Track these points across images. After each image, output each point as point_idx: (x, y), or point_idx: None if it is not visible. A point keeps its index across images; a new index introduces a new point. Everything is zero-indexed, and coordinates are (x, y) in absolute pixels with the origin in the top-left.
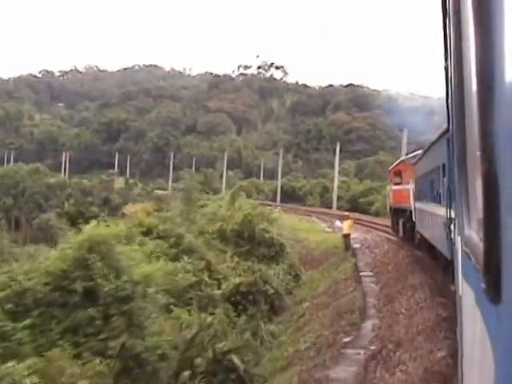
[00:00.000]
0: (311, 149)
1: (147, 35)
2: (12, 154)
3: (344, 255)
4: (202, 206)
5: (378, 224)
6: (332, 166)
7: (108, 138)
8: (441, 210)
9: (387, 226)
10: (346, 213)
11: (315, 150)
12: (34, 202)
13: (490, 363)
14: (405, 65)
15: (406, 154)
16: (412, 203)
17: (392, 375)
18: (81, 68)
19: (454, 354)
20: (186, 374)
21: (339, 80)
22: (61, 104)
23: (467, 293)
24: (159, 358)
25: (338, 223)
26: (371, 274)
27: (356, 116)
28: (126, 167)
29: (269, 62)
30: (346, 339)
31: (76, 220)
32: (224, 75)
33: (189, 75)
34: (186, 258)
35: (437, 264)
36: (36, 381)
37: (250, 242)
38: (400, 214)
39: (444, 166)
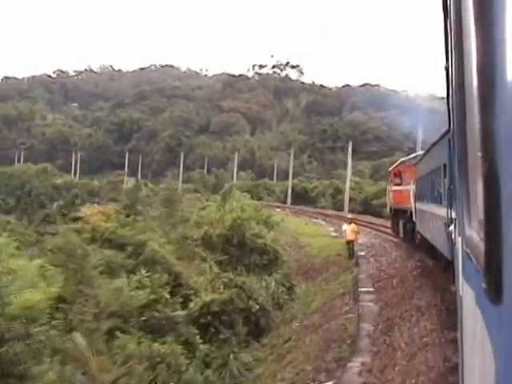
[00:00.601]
0: (326, 149)
1: (164, 36)
2: (22, 154)
3: (347, 264)
4: (204, 208)
5: (388, 228)
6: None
7: (120, 138)
8: (441, 211)
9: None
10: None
11: (330, 150)
12: (38, 202)
13: (490, 364)
14: (424, 66)
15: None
16: (412, 204)
17: None
18: (95, 68)
19: None
20: None
21: (356, 80)
22: (75, 104)
23: (468, 293)
24: None
25: (345, 226)
26: (372, 289)
27: (373, 116)
28: (138, 168)
29: (284, 62)
30: None
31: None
32: (240, 75)
33: (205, 75)
34: (143, 270)
35: (447, 278)
36: None
37: (239, 248)
38: (400, 215)
39: (445, 166)
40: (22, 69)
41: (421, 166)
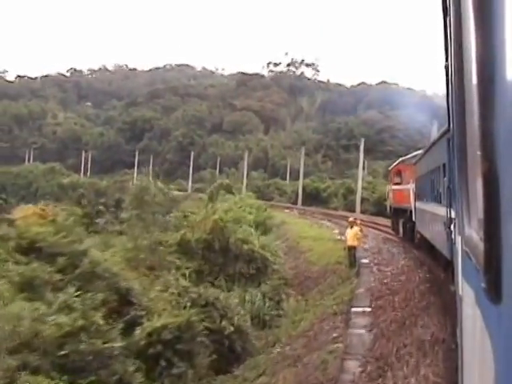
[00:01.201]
0: (341, 148)
1: (180, 35)
2: (32, 153)
3: (347, 274)
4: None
5: None
6: (363, 167)
7: (132, 138)
8: (441, 210)
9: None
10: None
11: (345, 149)
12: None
13: (490, 363)
14: (442, 65)
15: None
16: (412, 203)
17: None
18: (110, 67)
19: None
20: None
21: (372, 78)
22: (88, 103)
23: (467, 293)
24: None
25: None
26: (369, 309)
27: (389, 115)
28: (149, 167)
29: (299, 60)
30: None
31: None
32: (254, 74)
33: (221, 75)
34: (72, 288)
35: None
36: None
37: (222, 255)
38: (400, 214)
39: (444, 165)
40: (37, 68)
41: (420, 165)
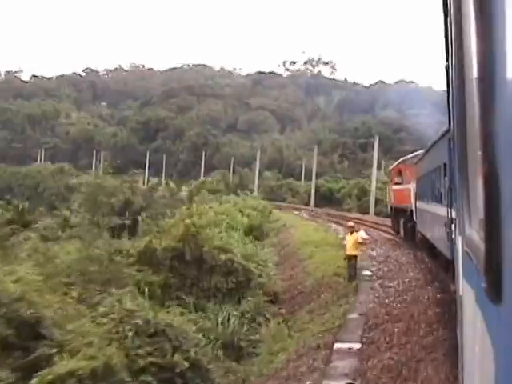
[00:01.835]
0: (358, 148)
1: (198, 35)
2: (44, 153)
3: (344, 288)
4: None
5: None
6: (380, 166)
7: (146, 138)
8: (442, 210)
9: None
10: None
11: (362, 149)
12: (48, 203)
13: (490, 363)
14: None
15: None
16: (413, 203)
17: None
18: (126, 67)
19: None
20: None
21: (390, 77)
22: (103, 103)
23: (468, 292)
24: None
25: (362, 233)
26: (358, 345)
27: (407, 114)
28: (162, 167)
29: (316, 58)
30: None
31: None
32: (270, 72)
33: (239, 75)
34: None
35: None
36: None
37: (196, 267)
38: (401, 214)
39: (445, 165)
40: (53, 68)
41: (421, 164)
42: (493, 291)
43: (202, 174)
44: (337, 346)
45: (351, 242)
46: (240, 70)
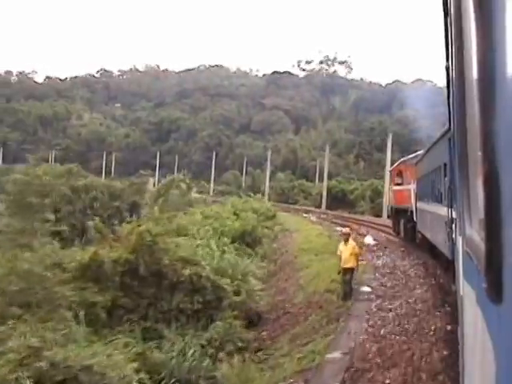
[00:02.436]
0: (374, 148)
1: (214, 36)
2: (54, 154)
3: (336, 310)
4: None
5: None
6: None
7: (158, 139)
8: (442, 210)
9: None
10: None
11: (378, 149)
12: (52, 206)
13: (491, 363)
14: None
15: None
16: (413, 203)
17: None
18: (141, 68)
19: None
20: None
21: (407, 76)
22: (117, 104)
23: (468, 293)
24: None
25: (369, 239)
26: None
27: (424, 113)
28: (174, 168)
29: (332, 57)
30: None
31: None
32: (284, 72)
33: (256, 75)
34: None
35: None
36: None
37: (154, 283)
38: (401, 215)
39: (445, 165)
40: (68, 69)
41: (421, 165)
42: (493, 291)
43: (212, 176)
44: None
45: (347, 253)
46: (257, 70)
